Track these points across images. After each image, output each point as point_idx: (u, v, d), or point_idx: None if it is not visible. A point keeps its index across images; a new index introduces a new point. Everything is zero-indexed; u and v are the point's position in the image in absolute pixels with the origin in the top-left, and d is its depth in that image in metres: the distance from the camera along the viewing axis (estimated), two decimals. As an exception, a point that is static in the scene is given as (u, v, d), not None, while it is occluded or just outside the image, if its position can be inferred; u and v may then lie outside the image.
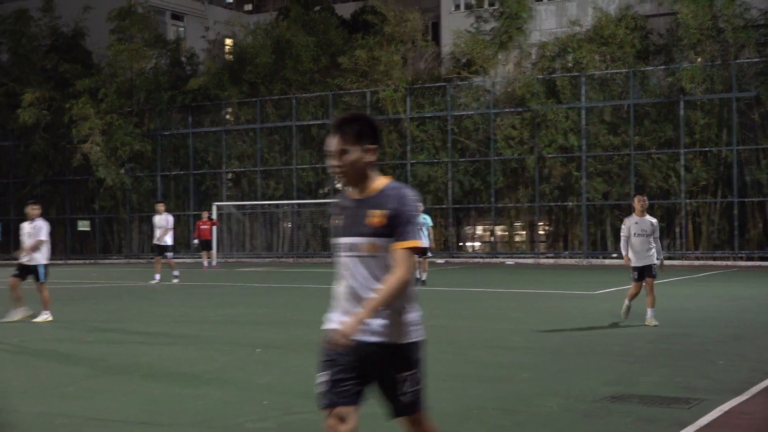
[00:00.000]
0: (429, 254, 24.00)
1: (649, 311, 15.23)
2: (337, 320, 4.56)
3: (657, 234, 15.33)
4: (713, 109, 35.89)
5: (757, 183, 35.03)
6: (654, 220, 15.36)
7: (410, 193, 4.55)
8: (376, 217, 4.52)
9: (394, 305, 4.53)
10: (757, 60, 35.25)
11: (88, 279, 30.96)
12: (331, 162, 4.54)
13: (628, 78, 36.99)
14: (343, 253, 4.69)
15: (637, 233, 15.21)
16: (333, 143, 4.62)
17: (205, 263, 36.27)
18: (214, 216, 40.54)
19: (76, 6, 47.35)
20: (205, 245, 36.91)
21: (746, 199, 35.19)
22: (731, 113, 35.28)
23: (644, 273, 15.39)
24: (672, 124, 36.27)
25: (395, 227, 4.52)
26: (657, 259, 15.40)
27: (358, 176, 4.55)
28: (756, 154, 35.31)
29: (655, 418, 8.20)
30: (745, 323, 15.62)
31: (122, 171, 44.95)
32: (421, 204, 22.58)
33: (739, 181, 35.13)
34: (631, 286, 15.53)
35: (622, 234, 15.52)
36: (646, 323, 15.02)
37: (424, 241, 22.55)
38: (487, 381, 10.19)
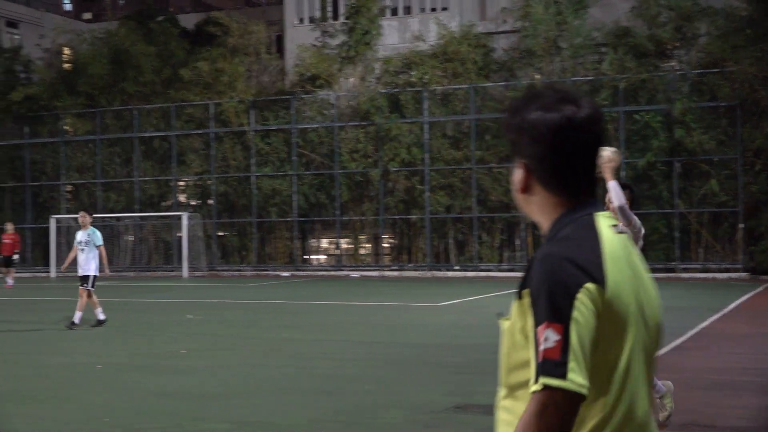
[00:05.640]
0: (87, 285, 17.58)
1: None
2: None
3: None
4: (551, 124, 36.90)
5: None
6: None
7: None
8: None
9: None
10: (591, 78, 36.47)
11: None
12: None
13: (470, 93, 37.71)
14: None
15: None
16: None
17: (10, 281, 32.20)
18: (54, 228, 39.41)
19: None
20: (6, 261, 32.74)
21: (582, 213, 36.27)
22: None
23: None
24: (512, 139, 37.05)
25: None
26: None
27: None
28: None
29: (495, 427, 8.35)
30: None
31: None
32: (86, 215, 18.32)
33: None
34: None
35: None
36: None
37: (90, 267, 17.76)
38: (329, 393, 10.21)
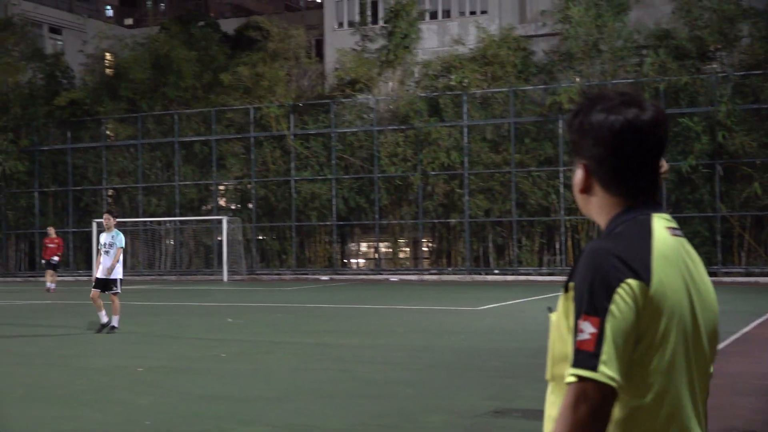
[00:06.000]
0: (116, 288, 17.70)
1: None
2: None
3: None
4: (591, 128, 36.66)
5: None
6: None
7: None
8: None
9: None
10: (631, 80, 36.23)
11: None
12: None
13: (509, 97, 37.61)
14: None
15: None
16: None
17: (51, 285, 31.85)
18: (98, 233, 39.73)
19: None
20: (51, 265, 32.55)
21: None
22: (608, 132, 36.06)
23: None
24: (551, 142, 36.98)
25: None
26: None
27: None
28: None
29: (536, 431, 8.34)
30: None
31: None
32: (110, 217, 17.90)
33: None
34: None
35: None
36: None
37: (115, 269, 17.78)
38: (370, 397, 10.22)
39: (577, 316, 2.23)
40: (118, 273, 17.79)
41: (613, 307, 2.20)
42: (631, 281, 2.22)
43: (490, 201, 37.87)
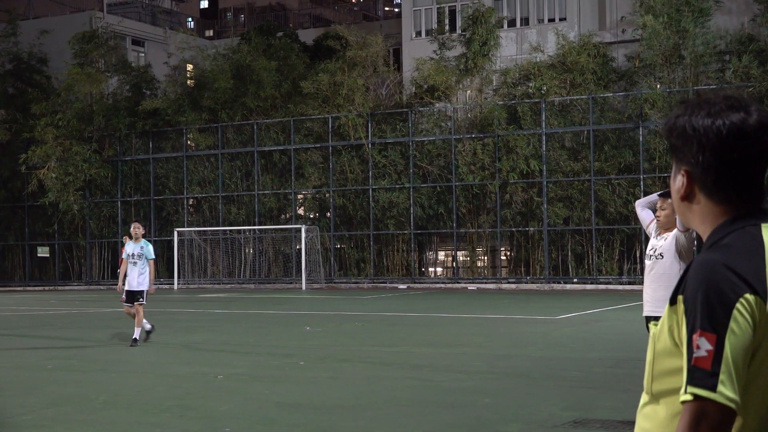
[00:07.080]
0: (142, 300, 17.20)
1: None
2: None
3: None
4: (672, 135, 36.16)
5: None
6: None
7: None
8: None
9: None
10: (714, 87, 35.65)
11: (47, 306, 30.63)
12: None
13: (588, 104, 37.27)
14: None
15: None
16: None
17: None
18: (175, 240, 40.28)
19: (37, 31, 47.24)
20: None
21: (705, 224, 35.45)
22: (690, 139, 35.52)
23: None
24: (632, 149, 36.56)
25: None
26: None
27: None
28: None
29: (616, 442, 8.21)
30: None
31: (72, 198, 43.90)
32: (140, 227, 17.37)
33: (698, 207, 35.36)
34: None
35: None
36: None
37: (144, 281, 17.33)
38: (448, 406, 10.17)
39: (692, 331, 2.13)
40: (146, 284, 17.27)
41: (732, 324, 2.10)
42: (749, 296, 2.13)
43: (569, 209, 37.56)
